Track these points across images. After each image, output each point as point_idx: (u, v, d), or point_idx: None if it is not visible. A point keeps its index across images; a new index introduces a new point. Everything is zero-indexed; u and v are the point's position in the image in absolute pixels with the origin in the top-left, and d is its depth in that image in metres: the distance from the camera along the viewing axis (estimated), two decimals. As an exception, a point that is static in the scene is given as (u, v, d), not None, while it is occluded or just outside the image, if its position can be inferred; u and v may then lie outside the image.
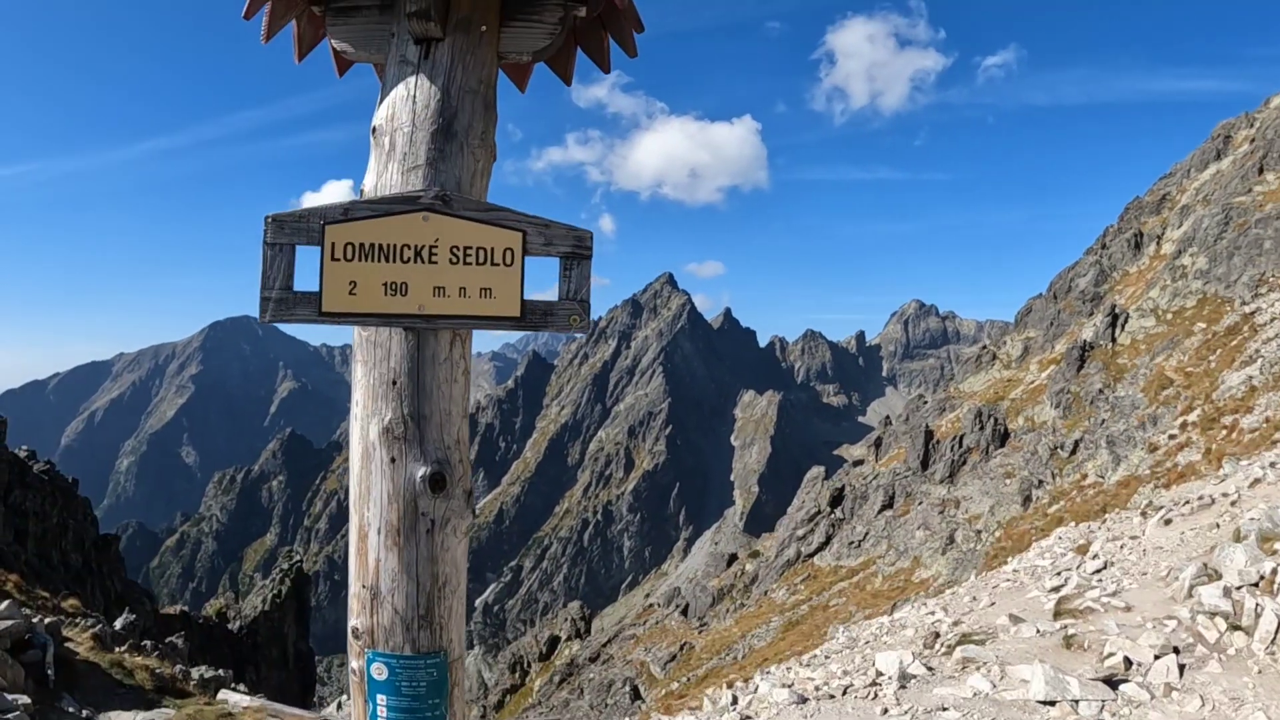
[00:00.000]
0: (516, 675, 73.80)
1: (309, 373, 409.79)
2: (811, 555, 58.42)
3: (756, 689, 9.67)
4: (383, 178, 2.84)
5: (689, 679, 45.72)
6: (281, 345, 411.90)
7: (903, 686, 7.54)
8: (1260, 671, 6.66)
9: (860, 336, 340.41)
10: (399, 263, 2.71)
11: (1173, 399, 40.57)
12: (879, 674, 8.12)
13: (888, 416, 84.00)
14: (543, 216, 2.78)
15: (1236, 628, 7.29)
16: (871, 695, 7.58)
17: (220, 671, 15.03)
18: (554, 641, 76.22)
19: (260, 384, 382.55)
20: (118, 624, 20.84)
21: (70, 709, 9.09)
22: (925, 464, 56.44)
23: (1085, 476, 41.99)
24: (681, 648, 54.76)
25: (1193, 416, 35.99)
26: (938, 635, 9.95)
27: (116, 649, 12.76)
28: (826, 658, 13.62)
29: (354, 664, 2.82)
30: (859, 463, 73.29)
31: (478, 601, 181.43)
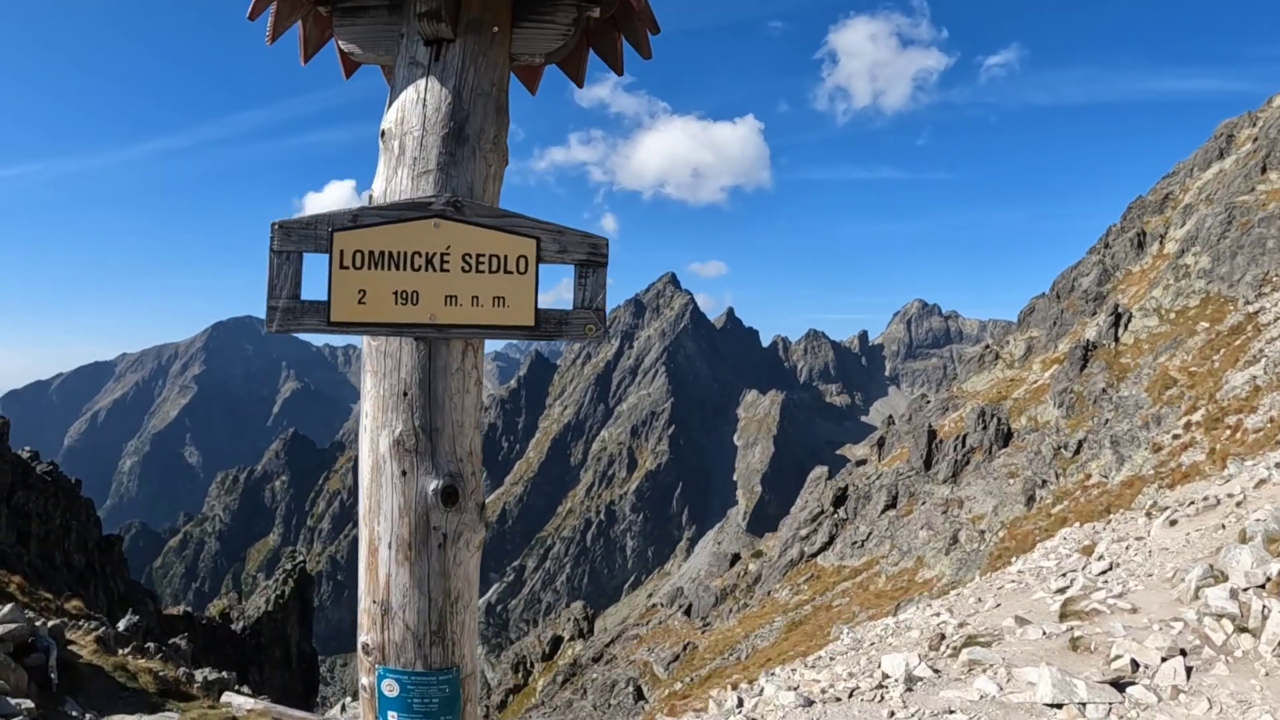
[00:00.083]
0: (519, 675, 73.87)
1: (311, 373, 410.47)
2: (814, 555, 58.38)
3: (762, 691, 9.65)
4: (392, 183, 2.77)
5: (692, 679, 45.73)
6: (284, 346, 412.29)
7: (909, 689, 7.51)
8: (1268, 674, 6.63)
9: (863, 336, 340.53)
10: (410, 270, 2.65)
11: (1176, 399, 40.52)
12: (885, 676, 8.09)
13: (890, 416, 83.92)
14: (556, 222, 2.72)
15: (1243, 630, 7.25)
16: (878, 698, 7.56)
17: (224, 673, 15.05)
18: (557, 641, 76.24)
19: (263, 384, 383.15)
20: (121, 625, 20.84)
21: (74, 713, 9.09)
22: (928, 464, 56.40)
23: (1089, 477, 41.93)
24: (685, 648, 54.75)
25: (1196, 416, 35.92)
26: (943, 637, 9.92)
27: (120, 651, 12.77)
28: (831, 659, 13.60)
29: (364, 680, 2.76)
30: (862, 462, 73.31)
31: (480, 601, 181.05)
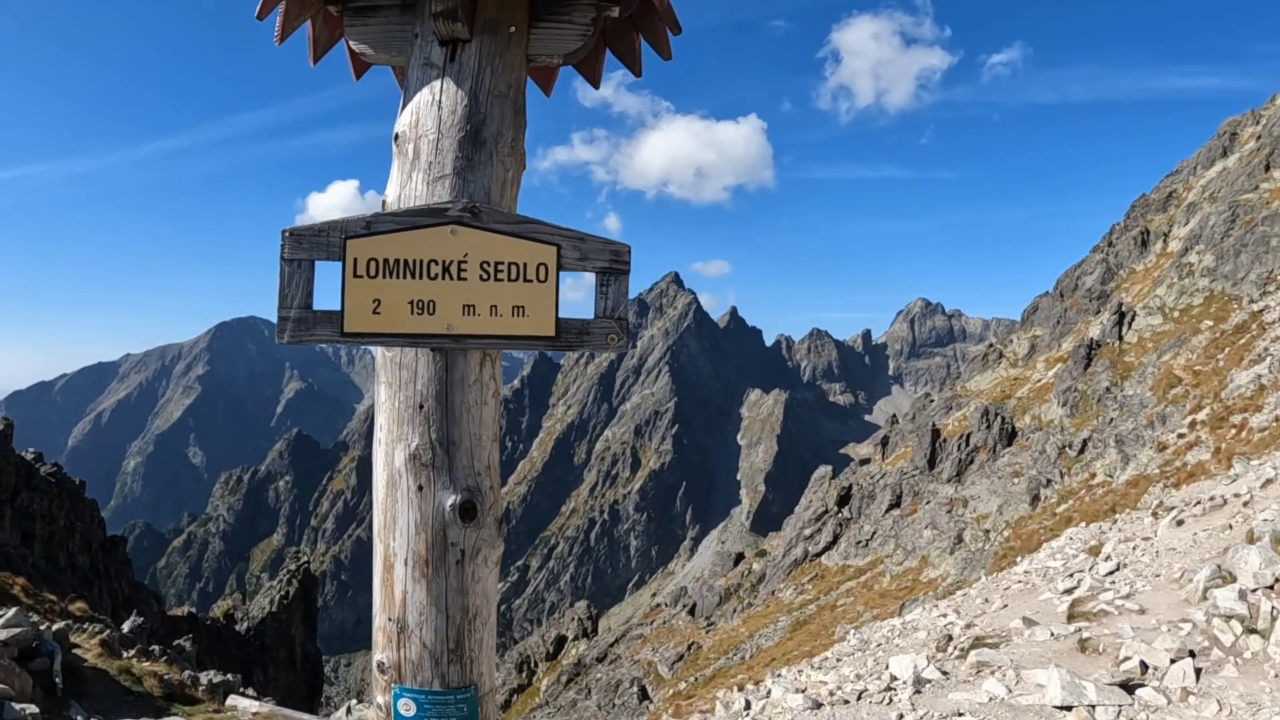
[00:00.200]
0: (523, 675, 73.79)
1: (315, 373, 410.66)
2: (819, 554, 58.32)
3: (769, 693, 9.62)
4: (406, 188, 2.70)
5: (697, 679, 45.69)
6: (288, 346, 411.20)
7: (917, 691, 7.48)
8: (1277, 676, 6.59)
9: (866, 335, 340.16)
10: (426, 279, 2.58)
11: (1181, 397, 40.42)
12: (893, 678, 8.06)
13: (894, 415, 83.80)
14: (577, 229, 2.66)
15: (1252, 631, 7.22)
16: (886, 700, 7.53)
17: (229, 676, 15.05)
18: (561, 641, 76.20)
19: (267, 384, 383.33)
20: (125, 627, 20.89)
21: (78, 717, 9.08)
22: (932, 463, 56.33)
23: (1094, 476, 41.85)
24: (689, 647, 54.71)
25: (1202, 415, 35.81)
26: (950, 638, 9.89)
27: (124, 654, 12.78)
28: (838, 660, 13.57)
29: (380, 699, 2.69)
30: (866, 462, 73.22)
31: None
